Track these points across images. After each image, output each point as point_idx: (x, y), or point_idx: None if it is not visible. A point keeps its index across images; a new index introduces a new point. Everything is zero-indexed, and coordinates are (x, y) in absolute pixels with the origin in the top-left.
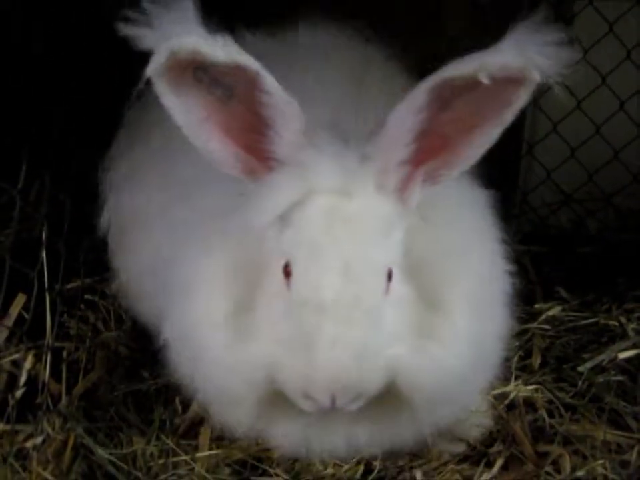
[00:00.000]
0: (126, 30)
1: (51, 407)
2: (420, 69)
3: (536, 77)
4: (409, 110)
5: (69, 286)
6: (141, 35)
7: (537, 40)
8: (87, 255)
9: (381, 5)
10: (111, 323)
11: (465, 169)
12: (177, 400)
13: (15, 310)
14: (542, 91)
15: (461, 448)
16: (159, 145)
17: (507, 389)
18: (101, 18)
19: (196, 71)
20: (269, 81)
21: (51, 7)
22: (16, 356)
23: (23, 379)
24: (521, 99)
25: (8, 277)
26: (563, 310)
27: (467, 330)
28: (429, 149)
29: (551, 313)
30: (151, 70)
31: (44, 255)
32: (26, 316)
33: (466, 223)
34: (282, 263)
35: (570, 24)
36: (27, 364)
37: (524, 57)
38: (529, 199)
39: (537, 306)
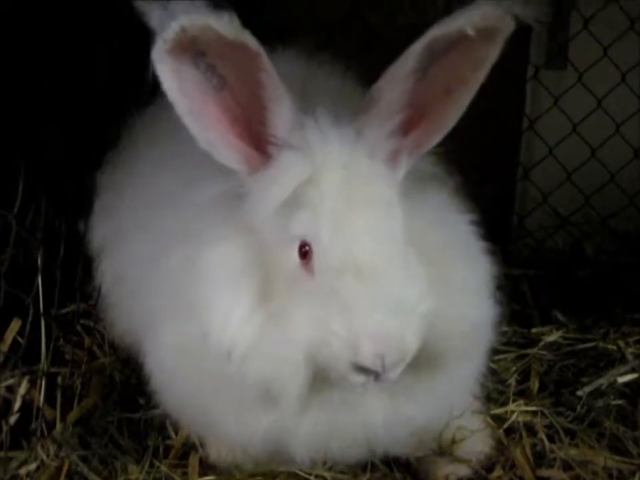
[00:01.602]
0: (138, 6)
1: (46, 433)
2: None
3: (511, 25)
4: (399, 75)
5: (64, 311)
6: (151, 12)
7: None
8: (82, 279)
9: None
10: (106, 348)
11: (444, 135)
12: (168, 424)
13: (9, 335)
14: (537, 115)
15: (463, 470)
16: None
17: (507, 408)
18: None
19: (195, 57)
20: (268, 61)
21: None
22: (10, 381)
23: (17, 404)
24: (491, 56)
25: (3, 301)
26: (561, 334)
27: (477, 281)
28: (411, 120)
29: (549, 339)
30: (158, 49)
31: (39, 279)
32: (21, 341)
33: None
34: (296, 245)
35: (565, 48)
36: (22, 389)
37: (502, 7)
38: (526, 223)
39: (534, 330)
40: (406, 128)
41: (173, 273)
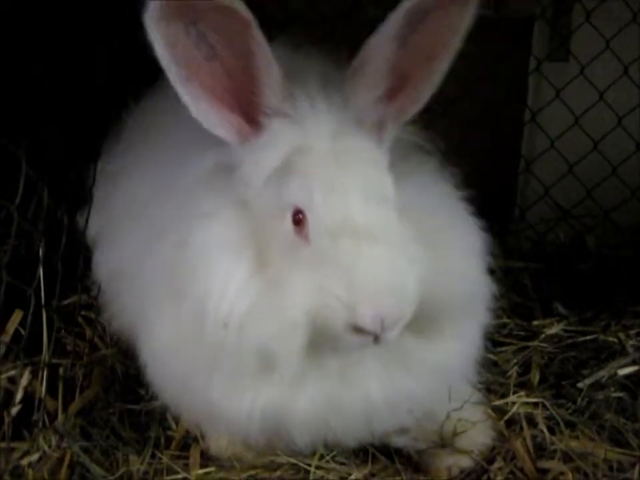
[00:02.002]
0: None
1: (47, 424)
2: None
3: None
4: (381, 43)
5: (66, 302)
6: None
7: None
8: (83, 271)
9: None
10: (107, 340)
11: (425, 101)
12: (169, 415)
13: (11, 326)
14: (539, 108)
15: (465, 462)
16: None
17: (508, 400)
18: None
19: (187, 25)
20: (257, 29)
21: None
22: (12, 372)
23: (19, 395)
24: (466, 20)
25: (5, 293)
26: (562, 327)
27: (467, 241)
28: (395, 87)
29: (550, 332)
30: (150, 14)
31: (41, 271)
32: (23, 332)
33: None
34: (289, 213)
35: (567, 40)
36: (24, 380)
37: None
38: (527, 216)
39: (535, 323)
40: (390, 95)
41: (167, 255)
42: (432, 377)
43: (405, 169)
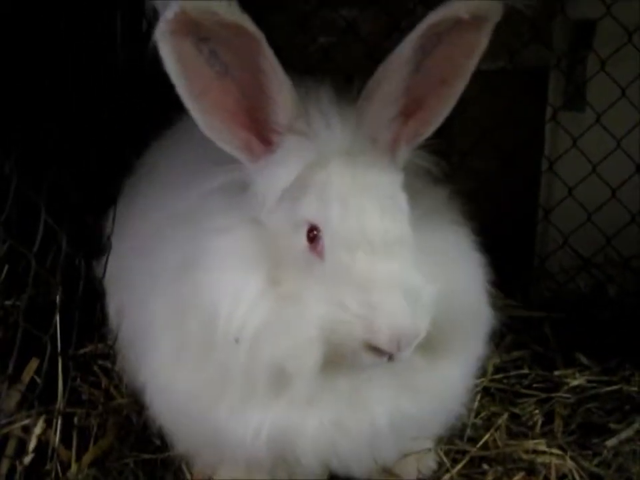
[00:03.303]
0: None
1: (60, 474)
2: None
3: (499, 12)
4: (397, 64)
5: (82, 351)
6: None
7: None
8: (101, 320)
9: None
10: (122, 389)
11: (438, 124)
12: (183, 465)
13: (27, 375)
14: (556, 156)
15: None
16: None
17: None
18: None
19: (198, 42)
20: (267, 47)
21: None
22: (26, 421)
23: (32, 444)
24: (481, 44)
25: (22, 341)
26: (585, 377)
27: (469, 269)
28: (409, 109)
29: (573, 383)
30: (160, 30)
31: (57, 319)
32: (38, 381)
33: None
34: (304, 229)
35: (583, 89)
36: (37, 429)
37: None
38: (547, 265)
39: (556, 373)
40: (405, 116)
41: (172, 274)
42: (435, 400)
43: (413, 190)
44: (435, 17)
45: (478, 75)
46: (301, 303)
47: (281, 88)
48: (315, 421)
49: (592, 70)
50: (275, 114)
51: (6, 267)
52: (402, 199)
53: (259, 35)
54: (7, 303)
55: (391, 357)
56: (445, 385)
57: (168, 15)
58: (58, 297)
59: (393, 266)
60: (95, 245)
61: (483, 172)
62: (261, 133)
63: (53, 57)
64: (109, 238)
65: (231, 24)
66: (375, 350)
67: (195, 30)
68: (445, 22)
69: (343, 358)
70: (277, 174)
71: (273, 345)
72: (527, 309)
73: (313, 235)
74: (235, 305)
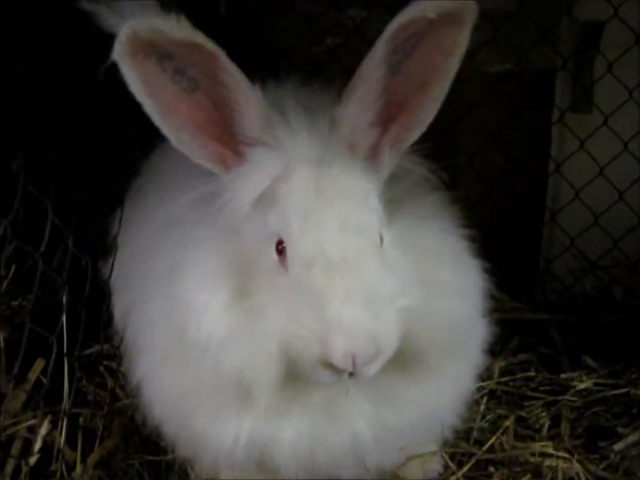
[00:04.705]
0: (87, 6)
1: (66, 474)
2: None
3: (475, 9)
4: (373, 63)
5: (88, 352)
6: (102, 15)
7: None
8: (107, 321)
9: None
10: (128, 390)
11: (423, 129)
12: (188, 467)
13: (33, 375)
14: (563, 158)
15: None
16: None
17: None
18: None
19: (161, 61)
20: (227, 61)
21: None
22: (32, 422)
23: (37, 445)
24: (460, 43)
25: (28, 341)
26: (592, 380)
27: (463, 283)
28: (390, 114)
29: (580, 386)
30: (117, 52)
31: (64, 319)
32: (44, 381)
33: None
34: (274, 242)
35: (590, 91)
36: (43, 430)
37: None
38: (553, 267)
39: (563, 375)
40: (386, 121)
41: (158, 283)
42: (420, 415)
43: (404, 201)
44: (403, 17)
45: (485, 76)
46: (264, 317)
47: (246, 100)
48: (291, 430)
49: (599, 72)
50: (243, 126)
51: (13, 267)
52: (372, 209)
53: (215, 50)
54: (14, 303)
55: (351, 374)
56: (431, 399)
57: (120, 37)
58: (64, 298)
59: (351, 281)
60: (102, 246)
61: (490, 174)
62: (233, 145)
63: (54, 57)
64: (115, 239)
65: (183, 42)
66: (331, 367)
67: (152, 49)
68: (416, 22)
69: (302, 373)
70: (245, 186)
71: (233, 357)
72: (534, 312)
73: (281, 247)
74: (203, 316)
